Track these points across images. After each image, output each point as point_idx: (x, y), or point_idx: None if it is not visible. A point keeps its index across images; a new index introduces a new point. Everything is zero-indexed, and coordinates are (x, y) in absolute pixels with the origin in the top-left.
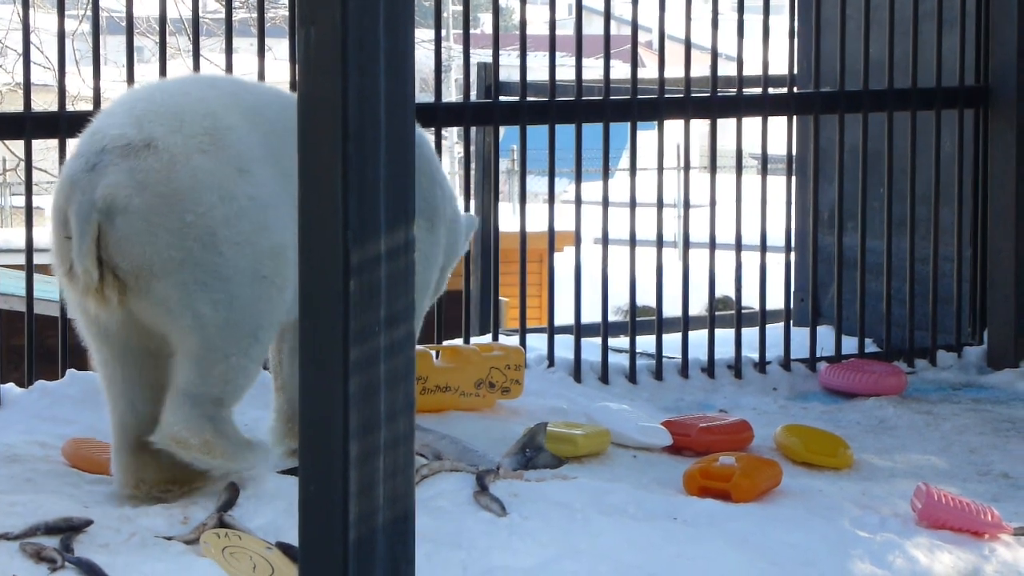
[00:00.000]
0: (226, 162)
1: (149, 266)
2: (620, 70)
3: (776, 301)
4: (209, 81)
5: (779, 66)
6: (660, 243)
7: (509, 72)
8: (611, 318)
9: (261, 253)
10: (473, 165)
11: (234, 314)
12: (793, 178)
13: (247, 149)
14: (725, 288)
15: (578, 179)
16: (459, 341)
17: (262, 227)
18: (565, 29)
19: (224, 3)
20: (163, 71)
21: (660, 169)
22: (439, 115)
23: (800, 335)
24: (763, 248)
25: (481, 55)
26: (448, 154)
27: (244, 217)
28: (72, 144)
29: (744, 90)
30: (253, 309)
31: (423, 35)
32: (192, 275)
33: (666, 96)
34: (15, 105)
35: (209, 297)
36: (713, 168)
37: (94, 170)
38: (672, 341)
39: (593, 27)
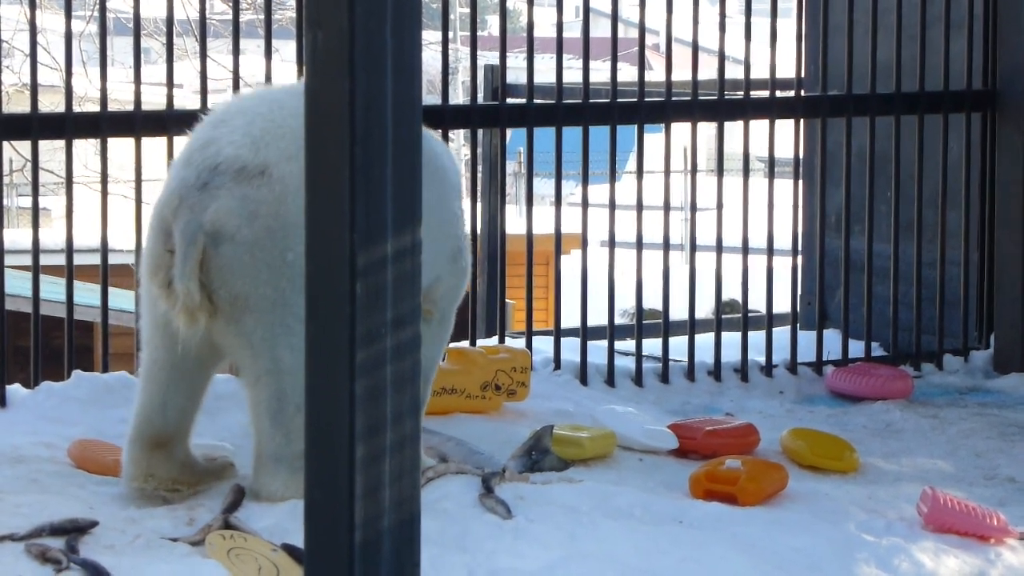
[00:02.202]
0: None
1: (245, 298)
2: (627, 73)
3: (783, 304)
4: None
5: (786, 69)
6: (667, 246)
7: (516, 74)
8: (617, 321)
9: None
10: (480, 167)
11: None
12: (800, 181)
13: None
14: (732, 291)
15: (585, 181)
16: (465, 343)
17: None
18: (572, 31)
19: (231, 5)
20: (170, 73)
21: (667, 172)
22: (446, 117)
23: (807, 339)
24: (770, 251)
25: (488, 57)
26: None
27: None
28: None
29: (751, 93)
30: None
31: (430, 37)
32: (280, 317)
33: (673, 99)
34: (22, 106)
35: (289, 342)
36: (720, 171)
37: (205, 189)
38: (678, 344)
39: (600, 29)
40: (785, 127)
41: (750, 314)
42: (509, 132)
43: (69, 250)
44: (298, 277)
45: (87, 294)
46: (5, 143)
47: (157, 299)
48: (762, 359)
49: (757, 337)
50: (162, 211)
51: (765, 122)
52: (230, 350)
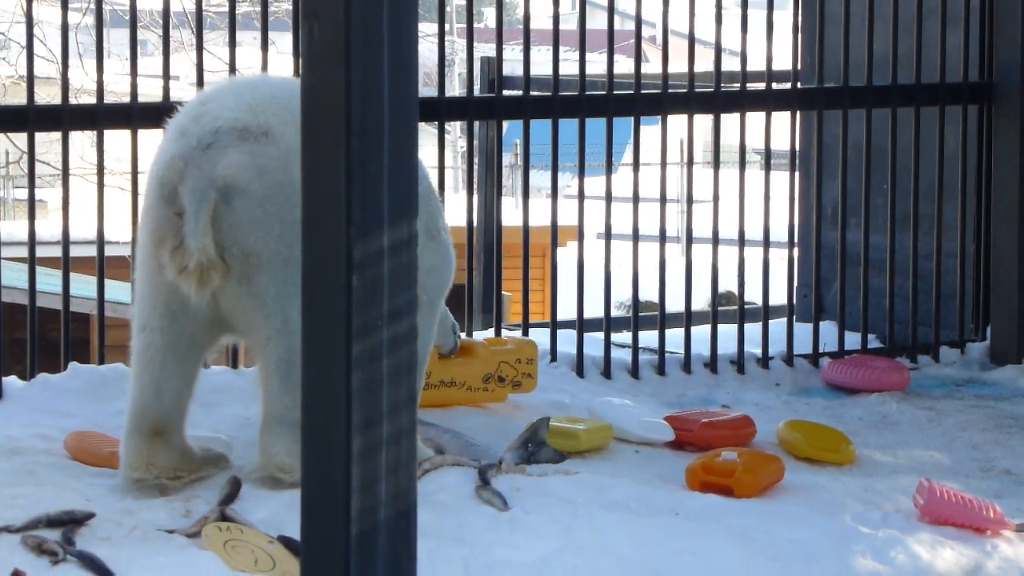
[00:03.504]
0: None
1: (258, 255)
2: (624, 65)
3: (779, 297)
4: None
5: (783, 61)
6: (663, 238)
7: (512, 66)
8: (614, 313)
9: None
10: (476, 159)
11: None
12: (796, 173)
13: None
14: (728, 283)
15: (581, 174)
16: (462, 335)
17: None
18: (569, 24)
19: None
20: (166, 65)
21: (663, 164)
22: (442, 109)
23: (803, 331)
24: (766, 243)
25: (484, 49)
26: (451, 148)
27: None
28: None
29: (748, 85)
30: None
31: (426, 29)
32: (292, 274)
33: (669, 91)
34: (18, 98)
35: (299, 301)
36: (716, 163)
37: (211, 148)
38: (675, 336)
39: (597, 22)
40: (781, 119)
41: (746, 306)
42: (505, 124)
43: (65, 242)
44: None
45: (83, 286)
46: (2, 135)
47: (164, 268)
48: (758, 351)
49: (753, 329)
50: (165, 176)
51: (761, 114)
52: (240, 313)
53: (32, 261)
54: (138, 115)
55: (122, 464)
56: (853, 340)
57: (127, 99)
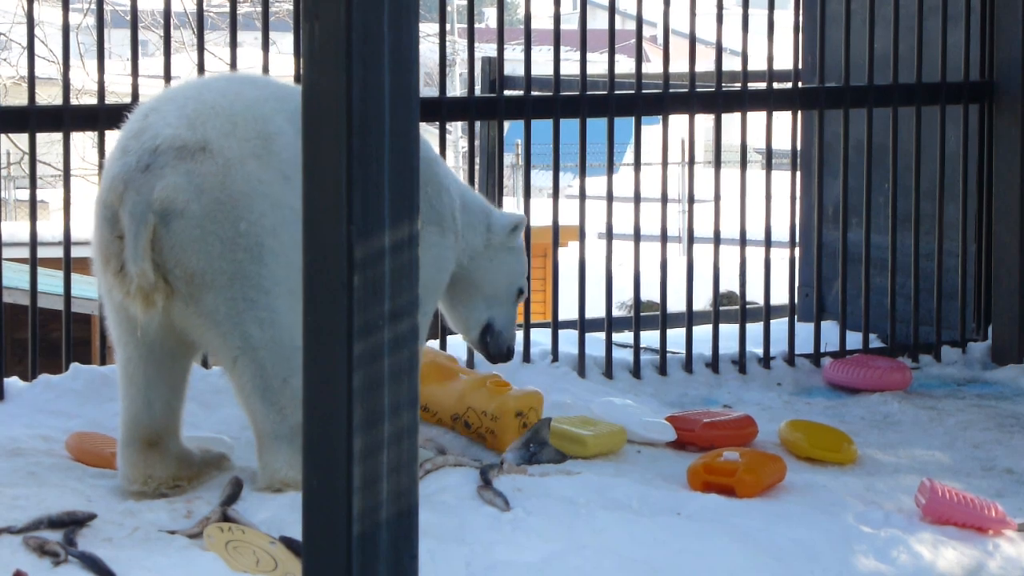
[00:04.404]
0: (276, 168)
1: (202, 274)
2: (625, 65)
3: (780, 296)
4: (251, 81)
5: (784, 61)
6: (664, 238)
7: (514, 66)
8: (615, 313)
9: (292, 267)
10: (477, 159)
11: (278, 331)
12: (798, 173)
13: (293, 156)
14: (729, 283)
15: (582, 174)
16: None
17: (296, 243)
18: (570, 24)
19: None
20: (167, 65)
21: (664, 164)
22: (443, 109)
23: (804, 330)
24: (767, 243)
25: (486, 49)
26: (452, 148)
27: (287, 228)
28: (111, 138)
29: (748, 85)
30: (290, 323)
31: (427, 29)
32: (241, 291)
33: (671, 91)
34: (19, 99)
35: (256, 316)
36: (717, 163)
37: (149, 170)
38: (676, 336)
39: (597, 22)
40: (783, 119)
41: (748, 306)
42: (507, 124)
43: (67, 243)
44: (255, 247)
45: (85, 287)
46: (3, 136)
47: (112, 289)
48: (760, 351)
49: (755, 329)
50: (106, 199)
51: (763, 114)
52: (197, 334)
53: (33, 262)
54: None
55: (120, 477)
56: (855, 340)
57: (128, 100)
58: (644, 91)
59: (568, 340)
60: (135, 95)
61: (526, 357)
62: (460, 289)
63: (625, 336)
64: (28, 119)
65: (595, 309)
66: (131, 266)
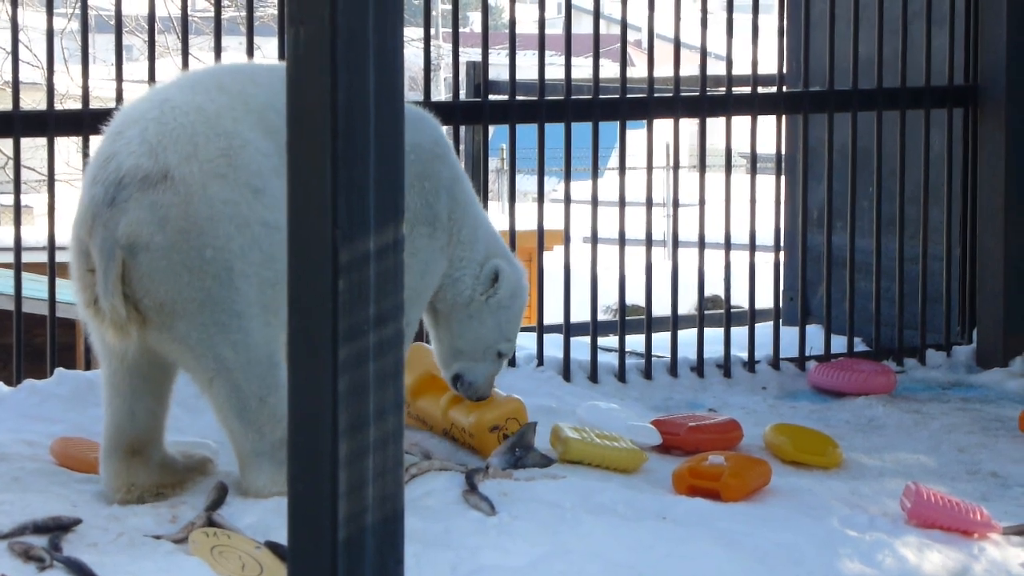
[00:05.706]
0: (243, 183)
1: (171, 304)
2: (609, 69)
3: (765, 300)
4: (217, 84)
5: (768, 65)
6: (649, 242)
7: (498, 71)
8: (600, 317)
9: (264, 283)
10: (462, 164)
11: (252, 352)
12: (782, 177)
13: (263, 162)
14: (714, 287)
15: (567, 178)
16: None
17: (269, 257)
18: (554, 28)
19: (213, 2)
20: (152, 70)
21: (649, 168)
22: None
23: (789, 334)
24: (752, 247)
25: (470, 54)
26: None
27: (256, 246)
28: (90, 145)
29: (733, 89)
30: (265, 340)
31: (412, 34)
32: (212, 317)
33: (655, 95)
34: (3, 104)
35: (228, 339)
36: (702, 167)
37: (114, 204)
38: (661, 340)
39: (582, 26)
40: (767, 123)
41: (733, 310)
42: (492, 128)
43: (51, 248)
44: (223, 272)
45: (70, 292)
46: None
47: (88, 320)
48: (745, 355)
49: (740, 333)
50: (79, 232)
51: (747, 118)
52: (172, 357)
53: (18, 267)
54: None
55: (104, 486)
56: (839, 343)
57: (113, 104)
58: (629, 95)
59: (553, 344)
60: (120, 100)
61: (511, 362)
62: (440, 325)
63: (610, 340)
64: (12, 124)
65: (580, 313)
66: (103, 301)
